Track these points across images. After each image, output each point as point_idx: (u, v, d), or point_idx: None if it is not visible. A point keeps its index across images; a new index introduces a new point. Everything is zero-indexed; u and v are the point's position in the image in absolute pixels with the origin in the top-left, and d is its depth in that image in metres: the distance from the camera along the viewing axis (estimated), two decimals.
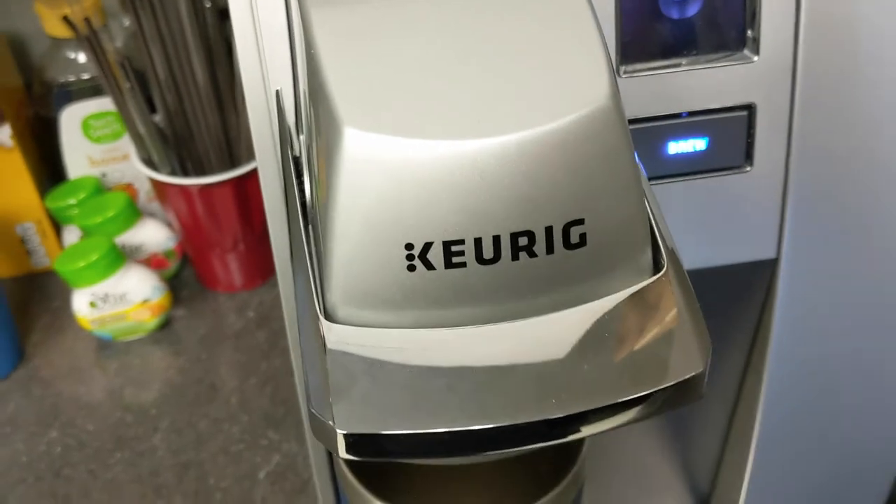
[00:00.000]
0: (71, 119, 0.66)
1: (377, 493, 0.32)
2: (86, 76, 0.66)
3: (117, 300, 0.63)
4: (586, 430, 0.22)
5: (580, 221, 0.23)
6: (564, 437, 0.22)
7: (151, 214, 0.69)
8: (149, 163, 0.63)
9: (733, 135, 0.35)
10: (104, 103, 0.66)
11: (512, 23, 0.24)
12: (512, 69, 0.23)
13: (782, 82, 0.34)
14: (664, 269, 0.24)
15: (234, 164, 0.64)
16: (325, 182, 0.23)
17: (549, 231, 0.23)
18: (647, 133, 0.34)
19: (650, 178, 0.35)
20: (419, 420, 0.22)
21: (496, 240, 0.23)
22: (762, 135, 0.35)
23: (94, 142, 0.67)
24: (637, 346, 0.23)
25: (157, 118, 0.63)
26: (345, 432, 0.22)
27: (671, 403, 0.23)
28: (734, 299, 0.40)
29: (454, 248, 0.23)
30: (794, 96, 0.34)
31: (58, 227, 0.70)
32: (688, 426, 0.47)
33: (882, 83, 0.34)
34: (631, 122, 0.34)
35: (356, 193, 0.22)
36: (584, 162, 0.23)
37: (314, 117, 0.24)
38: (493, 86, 0.23)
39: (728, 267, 0.38)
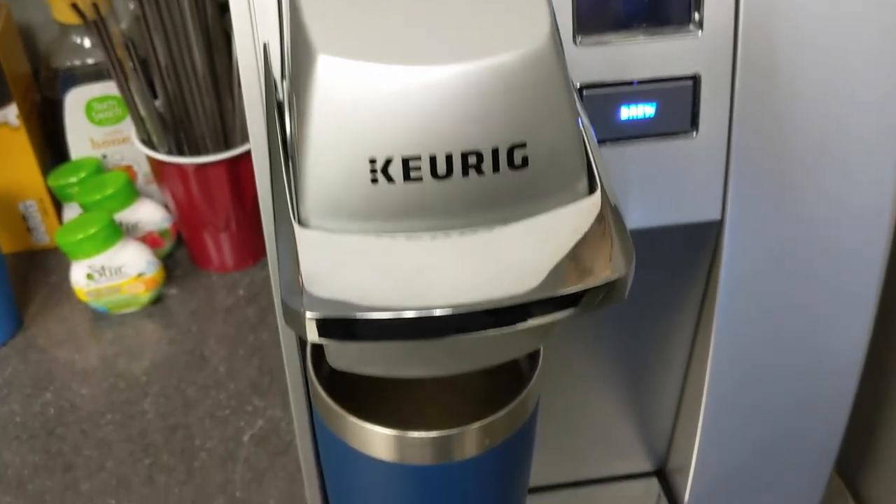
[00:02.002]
0: (75, 101, 0.70)
1: (349, 411, 0.35)
2: (91, 61, 0.70)
3: (113, 273, 0.67)
4: (527, 322, 0.26)
5: (523, 145, 0.26)
6: (507, 325, 0.26)
7: (149, 196, 0.72)
8: (148, 143, 0.67)
9: (680, 102, 0.38)
10: (107, 87, 0.69)
11: None
12: (468, 10, 0.27)
13: (724, 55, 0.38)
14: (598, 190, 0.28)
15: (228, 148, 0.67)
16: (301, 106, 0.26)
17: (495, 152, 0.26)
18: (601, 98, 0.38)
19: (604, 141, 0.38)
20: (377, 305, 0.25)
21: (449, 157, 0.26)
22: (706, 103, 0.38)
23: (96, 124, 0.71)
24: (572, 254, 0.27)
25: (158, 103, 0.67)
26: (313, 316, 0.25)
27: (600, 302, 0.26)
28: (683, 260, 0.43)
29: (412, 164, 0.26)
30: (735, 68, 0.38)
31: (59, 207, 0.73)
32: (643, 392, 0.50)
33: (817, 55, 0.38)
34: (586, 87, 0.38)
35: (327, 112, 0.26)
36: (526, 92, 0.26)
37: (292, 51, 0.28)
38: (450, 23, 0.26)
39: (676, 227, 0.41)
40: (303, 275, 0.26)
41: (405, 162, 0.26)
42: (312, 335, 0.25)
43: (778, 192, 0.41)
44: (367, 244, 0.27)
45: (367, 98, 0.25)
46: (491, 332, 0.26)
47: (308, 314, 0.25)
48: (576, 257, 0.27)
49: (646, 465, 0.53)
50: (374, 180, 0.26)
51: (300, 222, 0.27)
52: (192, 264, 0.74)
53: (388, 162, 0.26)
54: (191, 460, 0.59)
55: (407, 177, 0.26)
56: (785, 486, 0.52)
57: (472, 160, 0.26)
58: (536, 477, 0.51)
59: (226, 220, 0.69)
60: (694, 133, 0.39)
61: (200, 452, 0.59)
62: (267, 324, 0.69)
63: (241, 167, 0.66)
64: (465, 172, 0.26)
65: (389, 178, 0.26)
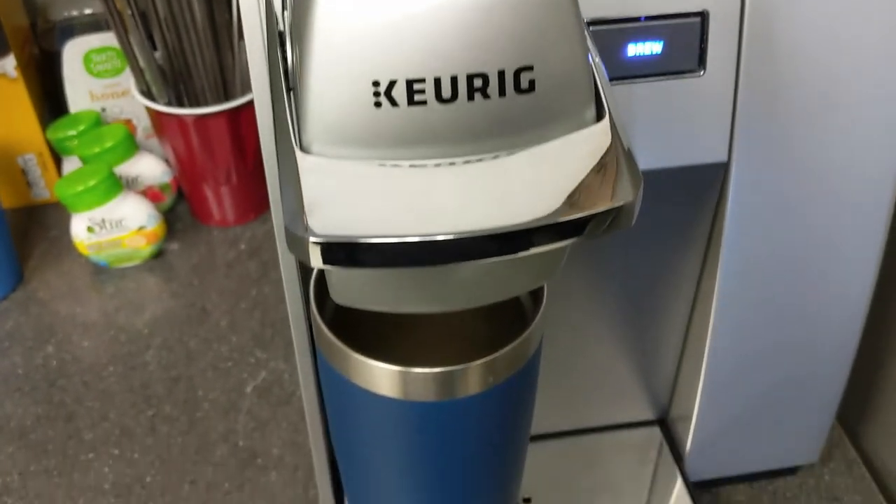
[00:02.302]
0: (73, 52, 0.69)
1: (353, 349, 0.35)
2: (88, 11, 0.69)
3: (114, 226, 0.66)
4: (533, 248, 0.25)
5: (529, 68, 0.26)
6: (513, 251, 0.25)
7: (149, 151, 0.72)
8: (147, 95, 0.66)
9: (687, 40, 0.38)
10: (106, 38, 0.69)
11: None
12: None
13: None
14: (605, 117, 0.27)
15: (228, 101, 0.66)
16: (302, 28, 0.26)
17: (501, 75, 0.26)
18: (608, 35, 0.37)
19: (610, 79, 0.38)
20: (382, 229, 0.25)
21: (454, 80, 0.25)
22: (714, 41, 0.38)
23: (95, 76, 0.70)
24: (579, 181, 0.26)
25: (157, 55, 0.66)
26: (316, 240, 0.25)
27: (607, 228, 0.26)
28: (689, 203, 0.43)
29: (416, 87, 0.25)
30: (743, 5, 0.37)
31: (58, 161, 0.73)
32: (646, 339, 0.50)
33: None
34: (592, 23, 0.37)
35: (330, 34, 0.25)
36: (533, 13, 0.25)
37: None
38: None
39: (683, 169, 0.41)
40: (305, 200, 0.25)
41: (409, 84, 0.25)
42: (316, 261, 0.25)
43: (785, 134, 0.40)
44: (370, 171, 0.26)
45: (371, 19, 0.25)
46: (496, 259, 0.26)
47: (311, 239, 0.25)
48: (583, 184, 0.26)
49: (648, 414, 0.53)
50: (378, 104, 0.26)
51: (302, 149, 0.27)
52: (193, 219, 0.74)
53: (391, 84, 0.25)
54: (193, 411, 0.59)
55: (411, 100, 0.26)
56: (787, 434, 0.52)
57: (478, 83, 0.26)
58: (539, 424, 0.51)
59: (226, 174, 0.69)
60: (701, 72, 0.38)
61: (203, 403, 0.59)
62: (269, 278, 0.68)
63: (241, 119, 0.66)
64: (470, 96, 0.26)
65: (393, 102, 0.26)
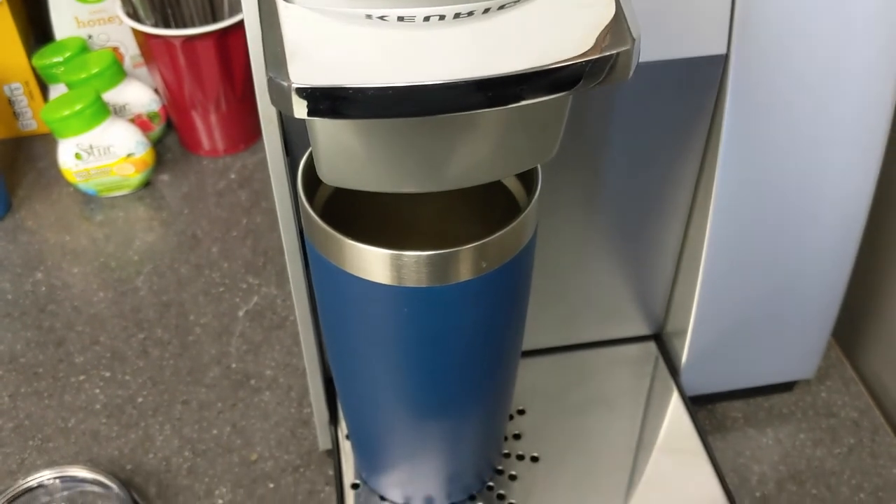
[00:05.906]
0: None
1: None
2: None
3: (102, 153, 0.65)
4: (526, 98, 0.25)
5: None
6: (505, 102, 0.24)
7: (137, 79, 0.70)
8: (134, 17, 0.65)
9: None
10: None
11: None
12: None
13: None
14: None
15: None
16: None
17: None
18: None
19: None
20: (368, 76, 0.24)
21: None
22: None
23: (80, 1, 0.69)
24: (573, 30, 0.25)
25: None
26: (299, 86, 0.24)
27: (604, 78, 0.25)
28: (687, 103, 0.42)
29: None
30: None
31: (45, 90, 0.71)
32: (642, 251, 0.49)
33: None
34: None
35: None
36: None
37: None
38: None
39: (680, 62, 0.40)
40: (287, 48, 0.24)
41: None
42: (300, 111, 0.24)
43: (786, 26, 0.39)
44: (356, 22, 0.25)
45: None
46: (486, 111, 0.25)
47: (294, 84, 0.24)
48: (577, 34, 0.25)
49: (643, 329, 0.53)
50: None
51: None
52: (182, 150, 0.72)
53: None
54: (185, 335, 0.58)
55: None
56: (783, 348, 0.52)
57: None
58: (534, 340, 0.51)
59: (215, 100, 0.67)
60: None
61: (195, 327, 0.59)
62: (260, 207, 0.68)
63: (229, 42, 0.64)
64: None
65: None
